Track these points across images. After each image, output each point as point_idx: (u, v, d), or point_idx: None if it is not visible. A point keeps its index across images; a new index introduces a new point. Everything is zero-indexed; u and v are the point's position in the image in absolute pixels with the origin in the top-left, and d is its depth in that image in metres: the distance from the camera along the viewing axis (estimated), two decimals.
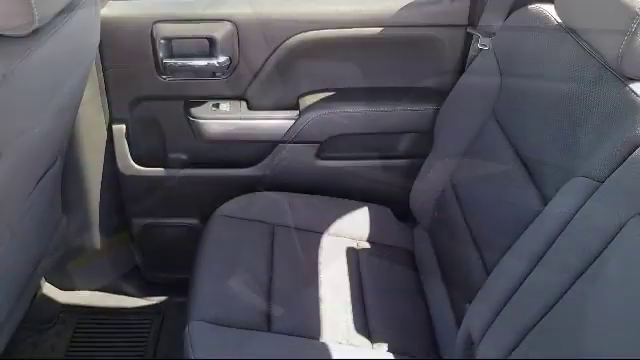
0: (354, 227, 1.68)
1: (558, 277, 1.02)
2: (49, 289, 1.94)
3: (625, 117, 1.02)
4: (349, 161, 1.80)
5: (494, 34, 1.54)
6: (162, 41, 1.62)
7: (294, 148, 1.75)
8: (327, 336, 1.34)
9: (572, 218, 1.04)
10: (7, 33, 0.98)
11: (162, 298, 1.98)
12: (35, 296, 1.87)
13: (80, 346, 1.83)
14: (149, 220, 1.89)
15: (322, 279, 1.49)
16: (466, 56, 1.66)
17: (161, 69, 1.66)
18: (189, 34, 1.63)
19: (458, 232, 1.46)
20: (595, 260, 0.96)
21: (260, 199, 1.70)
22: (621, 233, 0.93)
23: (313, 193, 1.76)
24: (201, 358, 1.21)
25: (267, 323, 1.34)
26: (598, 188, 1.01)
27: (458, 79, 1.63)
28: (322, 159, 1.78)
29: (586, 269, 0.97)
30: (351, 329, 1.37)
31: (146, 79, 1.68)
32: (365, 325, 1.40)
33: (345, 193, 1.77)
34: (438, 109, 1.69)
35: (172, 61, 1.64)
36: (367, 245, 1.66)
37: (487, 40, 1.56)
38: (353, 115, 1.72)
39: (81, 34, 1.28)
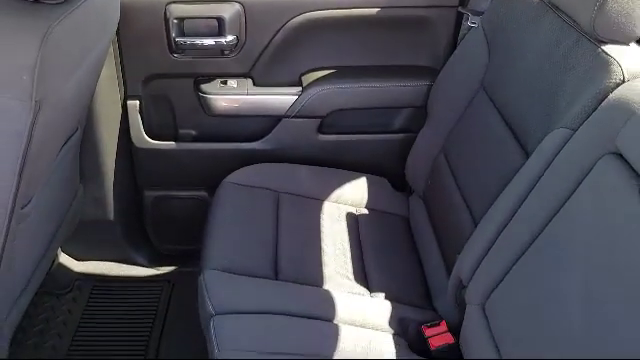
0: (353, 195, 1.80)
1: (536, 218, 1.14)
2: (65, 259, 2.04)
3: (597, 74, 1.15)
4: (349, 135, 1.92)
5: (482, 12, 1.67)
6: (174, 21, 1.74)
7: (297, 123, 1.87)
8: (329, 285, 1.45)
9: (550, 164, 1.16)
10: (46, 1, 1.11)
11: (172, 268, 2.09)
12: (52, 265, 1.97)
13: (95, 310, 1.94)
14: (160, 192, 2.01)
15: (324, 238, 1.60)
16: (457, 34, 1.78)
17: (173, 48, 1.78)
18: (199, 14, 1.75)
19: (450, 195, 1.58)
20: (569, 198, 1.08)
21: (265, 169, 1.82)
22: (592, 172, 1.05)
23: (315, 165, 1.88)
24: (215, 301, 1.32)
25: (274, 273, 1.46)
26: (573, 135, 1.13)
27: (450, 56, 1.75)
28: (323, 133, 1.90)
29: (561, 207, 1.10)
30: (351, 279, 1.49)
31: (159, 57, 1.80)
32: (364, 277, 1.52)
33: (345, 165, 1.89)
34: (431, 85, 1.81)
35: (183, 40, 1.76)
36: (365, 211, 1.77)
37: (476, 18, 1.68)
38: (352, 91, 1.84)
39: (105, 8, 1.40)
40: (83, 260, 2.06)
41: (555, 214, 1.10)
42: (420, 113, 1.85)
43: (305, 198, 1.75)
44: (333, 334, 1.29)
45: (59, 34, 1.11)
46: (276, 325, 1.30)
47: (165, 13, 1.73)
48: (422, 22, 1.80)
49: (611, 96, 1.08)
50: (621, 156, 1.01)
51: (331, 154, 1.91)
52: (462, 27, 1.76)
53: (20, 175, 1.18)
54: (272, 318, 1.31)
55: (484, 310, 1.21)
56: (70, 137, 1.57)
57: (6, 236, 1.23)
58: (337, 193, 1.79)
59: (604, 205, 1.01)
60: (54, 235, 1.66)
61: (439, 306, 1.48)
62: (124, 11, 1.67)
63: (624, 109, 1.03)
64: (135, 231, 2.08)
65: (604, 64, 1.14)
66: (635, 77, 1.09)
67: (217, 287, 1.37)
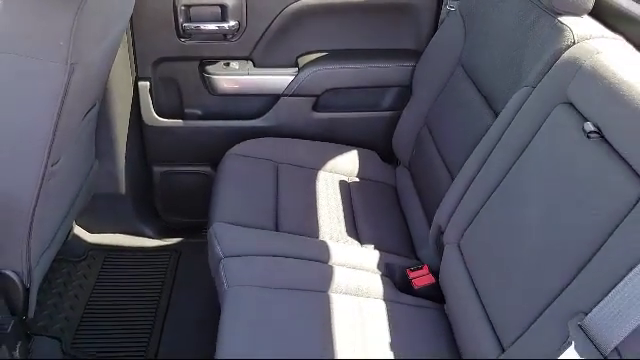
0: (345, 166, 1.98)
1: (502, 164, 1.32)
2: (79, 230, 2.21)
3: (554, 39, 1.33)
4: (341, 113, 2.10)
5: None
6: (182, 8, 1.93)
7: (294, 101, 2.05)
8: (324, 237, 1.63)
9: (513, 119, 1.34)
10: None
11: (178, 239, 2.26)
12: (68, 235, 2.13)
13: (107, 276, 2.09)
14: (167, 168, 2.18)
15: (319, 199, 1.78)
16: (438, 18, 1.97)
17: (180, 32, 1.96)
18: (205, 1, 1.94)
19: (431, 160, 1.76)
20: (529, 143, 1.27)
21: (266, 142, 2.00)
22: (547, 120, 1.24)
23: (310, 140, 2.05)
24: (224, 246, 1.49)
25: (275, 225, 1.63)
26: (532, 91, 1.31)
27: (431, 38, 1.94)
28: (318, 111, 2.08)
29: (522, 152, 1.28)
30: (343, 232, 1.67)
31: (168, 42, 1.98)
32: (355, 231, 1.69)
33: (338, 140, 2.07)
34: (415, 65, 1.99)
35: (190, 25, 1.94)
36: (357, 179, 1.95)
37: (455, 3, 1.88)
38: (344, 72, 2.03)
39: None
40: (96, 232, 2.22)
41: (517, 159, 1.29)
42: (406, 92, 2.03)
43: (302, 168, 1.92)
44: (328, 274, 1.46)
45: (92, 5, 1.28)
46: (278, 265, 1.47)
47: (174, 1, 1.91)
48: (407, 8, 1.99)
49: (563, 56, 1.27)
50: (571, 104, 1.19)
51: (325, 130, 2.09)
52: (442, 12, 1.95)
53: (54, 133, 1.35)
54: (274, 260, 1.48)
55: (459, 247, 1.39)
56: (90, 110, 1.74)
57: (40, 187, 1.40)
58: (331, 164, 1.96)
59: (556, 145, 1.19)
60: (73, 202, 1.83)
61: (422, 256, 1.65)
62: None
63: (573, 65, 1.22)
64: (144, 204, 2.25)
65: (559, 30, 1.33)
66: (584, 39, 1.28)
67: (225, 235, 1.54)
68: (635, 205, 0.94)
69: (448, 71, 1.81)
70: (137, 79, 2.04)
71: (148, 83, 2.04)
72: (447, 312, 1.41)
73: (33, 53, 1.23)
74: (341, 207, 1.77)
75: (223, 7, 1.93)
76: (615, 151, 1.03)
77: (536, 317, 1.05)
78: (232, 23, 1.95)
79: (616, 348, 0.88)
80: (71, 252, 2.13)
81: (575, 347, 0.93)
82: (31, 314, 1.59)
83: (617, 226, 0.96)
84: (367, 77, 2.04)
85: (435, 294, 1.48)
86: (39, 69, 1.25)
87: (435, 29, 1.99)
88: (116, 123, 2.04)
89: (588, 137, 1.09)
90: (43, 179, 1.40)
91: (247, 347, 1.27)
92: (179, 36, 1.97)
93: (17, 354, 1.51)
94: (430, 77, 1.90)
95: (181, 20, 1.94)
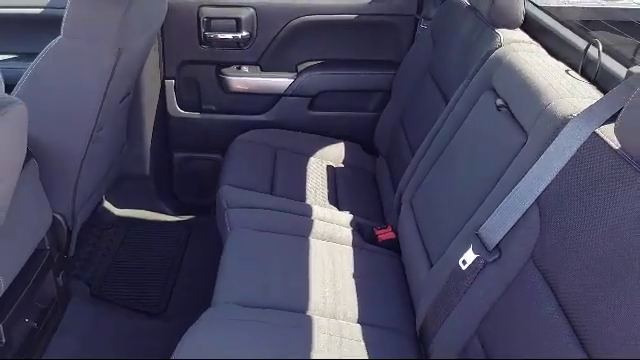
0: (333, 154, 2.37)
1: (444, 139, 1.71)
2: (108, 205, 2.60)
3: (488, 43, 1.73)
4: (332, 112, 2.50)
5: (431, 19, 2.27)
6: (204, 19, 2.35)
7: (293, 100, 2.46)
8: (310, 201, 2.01)
9: (456, 105, 1.74)
10: None
11: (191, 217, 2.64)
12: (97, 207, 2.53)
13: (130, 242, 2.47)
14: (185, 154, 2.59)
15: (308, 176, 2.16)
16: (414, 35, 2.39)
17: (202, 40, 2.38)
18: (223, 15, 2.36)
19: (401, 147, 2.14)
20: (463, 121, 1.65)
21: (268, 132, 2.40)
22: (477, 103, 1.63)
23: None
24: (228, 200, 1.89)
25: (271, 190, 2.02)
26: (469, 83, 1.71)
27: (408, 52, 2.35)
28: (312, 110, 2.49)
29: (458, 129, 1.67)
30: (326, 199, 2.05)
31: (191, 47, 2.40)
32: (336, 199, 2.08)
33: (328, 135, 2.46)
34: (395, 73, 2.40)
35: (210, 34, 2.37)
36: (342, 165, 2.34)
37: (427, 23, 2.29)
38: (335, 77, 2.44)
39: (159, 0, 2.01)
40: (121, 207, 2.62)
41: (455, 134, 1.68)
42: (386, 96, 2.44)
43: (296, 153, 2.31)
44: (310, 225, 1.84)
45: (136, 5, 1.69)
46: (271, 216, 1.85)
47: (198, 13, 2.34)
48: (389, 26, 2.41)
49: (492, 55, 1.67)
50: (493, 90, 1.58)
51: (318, 126, 2.49)
52: (417, 29, 2.36)
53: (102, 104, 1.75)
54: (268, 212, 1.87)
55: (411, 204, 1.77)
56: (125, 97, 2.15)
57: (87, 146, 1.80)
58: (321, 152, 2.35)
59: (479, 119, 1.58)
60: (107, 172, 2.22)
61: (389, 220, 2.02)
62: (167, 10, 2.27)
63: (497, 59, 1.62)
64: (164, 185, 2.64)
65: (493, 37, 1.73)
66: (508, 43, 1.67)
67: (229, 193, 1.94)
68: (519, 150, 1.32)
69: (419, 77, 2.21)
70: (164, 78, 2.45)
71: (173, 81, 2.46)
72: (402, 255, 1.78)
73: (91, 38, 1.64)
74: (326, 183, 2.16)
75: (238, 20, 2.36)
76: (513, 117, 1.42)
77: (454, 237, 1.42)
78: (245, 33, 2.37)
79: (497, 246, 1.25)
80: (100, 221, 2.52)
81: (472, 249, 1.30)
82: (71, 253, 1.97)
83: (509, 164, 1.34)
84: (354, 82, 2.46)
85: (395, 247, 1.85)
86: (95, 51, 1.66)
87: (411, 44, 2.39)
88: (145, 113, 2.45)
89: (498, 110, 1.48)
90: (90, 140, 1.80)
91: (242, 275, 1.64)
92: (201, 43, 2.39)
93: (60, 280, 1.89)
94: (405, 83, 2.30)
95: (203, 30, 2.36)
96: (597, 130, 1.13)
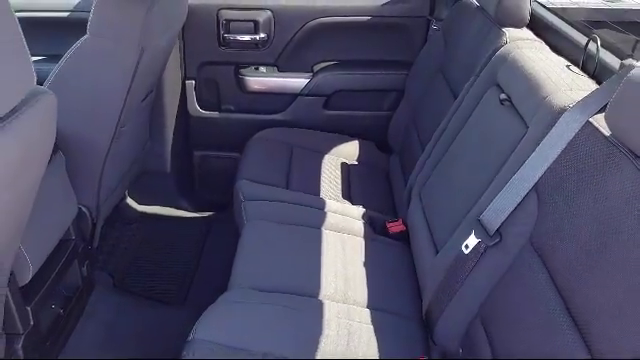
0: (347, 152, 2.44)
1: (451, 133, 1.77)
2: (130, 201, 2.70)
3: (495, 41, 1.79)
4: (346, 111, 2.57)
5: (442, 20, 2.34)
6: (224, 22, 2.44)
7: (308, 100, 2.54)
8: (324, 196, 2.08)
9: (463, 101, 1.80)
10: None
11: (209, 213, 2.73)
12: (120, 203, 2.62)
13: (151, 237, 2.57)
14: (204, 152, 2.68)
15: (323, 171, 2.24)
16: (427, 36, 2.45)
17: (221, 42, 2.48)
18: (241, 18, 2.45)
19: (413, 144, 2.21)
20: (469, 117, 1.72)
21: (284, 131, 2.48)
22: (482, 99, 1.69)
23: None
24: (245, 193, 1.97)
25: (286, 185, 2.10)
26: (476, 79, 1.77)
27: (420, 52, 2.42)
28: (328, 109, 2.56)
29: (465, 124, 1.73)
30: (339, 194, 2.12)
31: (210, 49, 2.50)
32: (349, 194, 2.14)
33: (343, 133, 2.54)
34: (408, 73, 2.47)
35: (229, 36, 2.46)
36: (356, 162, 2.41)
37: (438, 24, 2.35)
38: (350, 77, 2.52)
39: (180, 3, 2.10)
40: (143, 204, 2.71)
41: (462, 128, 1.74)
42: (399, 95, 2.50)
43: (311, 151, 2.39)
44: (323, 217, 1.91)
45: (158, 6, 1.79)
46: (285, 209, 1.93)
47: (217, 16, 2.43)
48: (402, 27, 2.48)
49: (498, 52, 1.73)
50: (498, 85, 1.64)
51: (333, 125, 2.56)
52: (429, 30, 2.43)
53: (125, 100, 1.85)
54: (283, 204, 1.95)
55: (420, 196, 1.83)
56: (147, 95, 2.24)
57: (112, 141, 1.89)
58: (335, 149, 2.43)
59: (484, 113, 1.64)
60: (130, 167, 2.31)
61: (400, 214, 2.08)
62: (188, 13, 2.36)
63: (502, 57, 1.68)
64: (184, 182, 2.74)
65: (499, 35, 1.79)
66: (514, 40, 1.73)
67: (246, 187, 2.02)
68: (519, 142, 1.38)
69: (431, 77, 2.27)
70: (185, 78, 2.55)
71: (193, 82, 2.56)
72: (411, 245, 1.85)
73: (115, 37, 1.74)
74: (340, 179, 2.23)
75: (256, 22, 2.44)
76: (515, 110, 1.48)
77: (459, 224, 1.48)
78: (262, 35, 2.46)
79: (498, 230, 1.31)
80: (123, 216, 2.62)
81: (474, 234, 1.36)
82: (95, 244, 2.07)
83: (510, 154, 1.40)
84: (368, 82, 2.53)
85: (405, 239, 1.91)
86: (119, 49, 1.75)
87: (424, 44, 2.46)
88: (167, 112, 2.55)
89: (502, 103, 1.54)
90: (114, 135, 1.90)
91: (257, 262, 1.72)
92: (220, 45, 2.49)
93: (84, 270, 1.99)
94: (417, 83, 2.36)
95: (222, 32, 2.46)
96: (590, 119, 1.19)
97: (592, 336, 1.04)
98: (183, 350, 1.38)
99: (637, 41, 1.71)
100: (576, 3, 2.07)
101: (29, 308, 1.62)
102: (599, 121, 1.17)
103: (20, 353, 1.62)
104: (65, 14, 2.39)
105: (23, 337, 1.61)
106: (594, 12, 2.07)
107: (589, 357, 1.04)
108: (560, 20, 1.84)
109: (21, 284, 1.58)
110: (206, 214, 2.73)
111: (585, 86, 1.38)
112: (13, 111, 1.07)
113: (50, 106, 1.22)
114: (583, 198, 1.14)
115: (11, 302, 1.54)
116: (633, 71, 1.07)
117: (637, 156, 1.05)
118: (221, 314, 1.47)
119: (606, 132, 1.13)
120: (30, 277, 1.59)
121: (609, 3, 2.02)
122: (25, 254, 1.53)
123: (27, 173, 1.25)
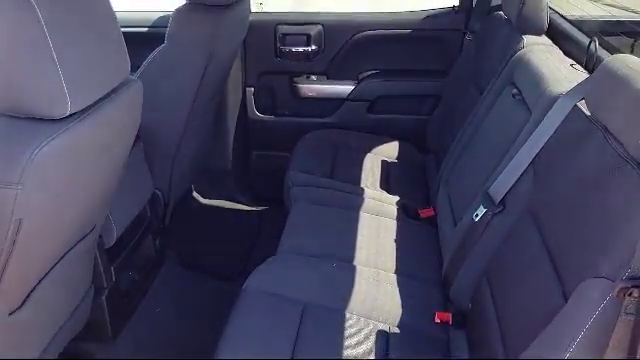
0: (388, 151, 2.70)
1: (474, 126, 2.02)
2: (196, 195, 3.04)
3: (514, 46, 2.03)
4: (388, 115, 2.84)
5: (475, 32, 2.59)
6: (280, 36, 2.77)
7: (354, 105, 2.83)
8: (363, 185, 2.35)
9: (486, 97, 2.05)
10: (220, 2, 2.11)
11: (263, 207, 3.04)
12: (187, 195, 2.96)
13: (212, 226, 2.89)
14: (261, 152, 3.00)
15: (364, 165, 2.51)
16: (462, 47, 2.71)
17: (277, 53, 2.80)
18: (295, 32, 2.77)
19: (447, 143, 2.44)
20: (489, 111, 1.96)
21: (330, 132, 2.77)
22: (500, 95, 1.93)
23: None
24: (294, 181, 2.27)
25: (331, 176, 2.38)
26: (497, 78, 2.02)
27: (455, 62, 2.68)
28: (371, 113, 2.84)
29: (486, 117, 1.98)
30: (377, 185, 2.38)
31: (268, 60, 2.82)
32: (387, 185, 2.40)
33: (384, 135, 2.80)
34: (444, 81, 2.72)
35: (284, 48, 2.78)
36: (395, 160, 2.67)
37: (472, 35, 2.61)
38: (392, 84, 2.80)
39: (244, 19, 2.44)
40: (207, 198, 3.04)
41: (481, 124, 1.99)
42: (436, 101, 2.76)
43: (354, 149, 2.66)
44: (361, 201, 2.19)
45: (230, 16, 2.12)
46: (329, 194, 2.21)
47: (274, 30, 2.76)
48: (439, 39, 2.75)
49: (515, 55, 1.97)
50: (514, 84, 1.89)
51: (376, 127, 2.83)
52: (464, 42, 2.68)
53: (194, 99, 2.17)
54: (327, 190, 2.23)
55: (447, 182, 2.08)
56: (213, 98, 2.57)
57: (182, 134, 2.22)
58: (377, 149, 2.69)
59: (500, 108, 1.89)
60: (196, 162, 2.64)
61: (432, 204, 2.33)
62: (249, 28, 2.69)
63: (519, 59, 1.92)
64: (243, 179, 3.06)
65: (518, 41, 2.03)
66: (530, 45, 1.97)
67: (295, 176, 2.31)
68: (524, 126, 1.63)
69: (464, 84, 2.52)
70: (245, 85, 2.88)
71: (253, 89, 2.89)
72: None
73: (188, 43, 2.07)
74: (379, 172, 2.49)
75: (308, 36, 2.76)
76: (524, 101, 1.72)
77: (473, 198, 1.73)
78: (314, 47, 2.77)
79: (502, 200, 1.55)
80: (190, 208, 2.95)
81: (482, 204, 1.60)
82: (166, 222, 2.40)
83: (516, 137, 1.64)
84: (408, 88, 2.81)
85: (435, 223, 2.15)
86: (191, 54, 2.08)
87: (459, 54, 2.71)
88: (229, 116, 2.88)
89: (513, 97, 1.79)
90: (185, 130, 2.22)
91: (302, 234, 2.00)
92: (276, 56, 2.81)
93: (157, 244, 2.32)
94: (452, 89, 2.62)
95: (279, 45, 2.78)
96: (578, 103, 1.43)
97: (565, 273, 1.26)
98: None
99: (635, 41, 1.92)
100: (588, 13, 2.28)
101: (112, 267, 1.95)
102: (584, 104, 1.40)
103: (104, 305, 1.94)
104: (144, 29, 2.76)
105: (107, 291, 1.94)
106: (606, 23, 2.28)
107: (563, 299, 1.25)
108: (572, 27, 2.07)
109: (107, 246, 1.91)
110: (261, 208, 3.04)
111: (581, 79, 1.61)
112: (114, 90, 1.37)
113: (137, 93, 1.54)
114: (569, 171, 1.37)
115: (99, 260, 1.88)
116: (607, 59, 1.31)
117: (608, 130, 1.28)
118: (269, 270, 1.76)
119: (587, 112, 1.36)
120: (114, 241, 1.92)
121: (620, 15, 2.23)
122: (111, 220, 1.86)
123: (117, 147, 1.57)
